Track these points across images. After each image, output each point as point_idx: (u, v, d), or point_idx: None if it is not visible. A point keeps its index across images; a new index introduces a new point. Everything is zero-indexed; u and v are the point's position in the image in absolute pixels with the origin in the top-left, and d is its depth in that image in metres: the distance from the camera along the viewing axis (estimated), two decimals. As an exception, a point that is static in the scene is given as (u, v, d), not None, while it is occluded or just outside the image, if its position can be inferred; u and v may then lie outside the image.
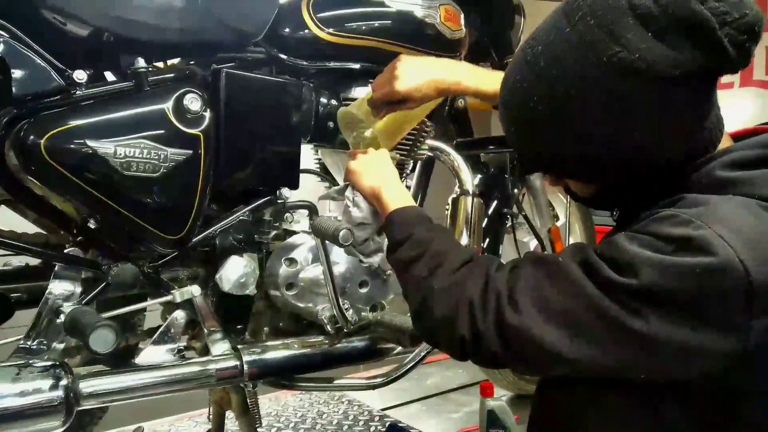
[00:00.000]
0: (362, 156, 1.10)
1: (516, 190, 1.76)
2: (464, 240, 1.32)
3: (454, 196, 1.38)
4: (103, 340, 0.89)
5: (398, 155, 1.30)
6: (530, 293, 0.70)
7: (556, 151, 0.75)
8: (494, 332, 0.70)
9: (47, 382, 0.90)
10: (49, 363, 0.94)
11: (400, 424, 1.83)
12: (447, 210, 1.40)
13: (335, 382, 1.27)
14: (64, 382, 0.91)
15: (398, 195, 0.99)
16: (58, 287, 1.00)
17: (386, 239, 0.99)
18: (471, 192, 1.36)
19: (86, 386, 0.95)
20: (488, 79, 1.11)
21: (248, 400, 1.24)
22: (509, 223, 1.74)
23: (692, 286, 0.61)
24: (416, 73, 1.07)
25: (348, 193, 1.11)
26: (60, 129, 0.91)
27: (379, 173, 1.05)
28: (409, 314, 1.35)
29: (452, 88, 1.12)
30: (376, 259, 1.19)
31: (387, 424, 1.82)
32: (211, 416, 1.38)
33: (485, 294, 0.72)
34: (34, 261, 1.12)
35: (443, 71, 1.09)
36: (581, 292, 0.66)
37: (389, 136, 1.17)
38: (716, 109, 0.73)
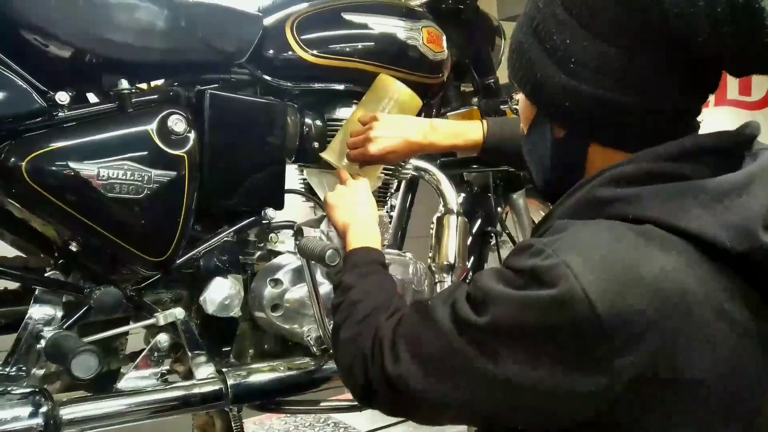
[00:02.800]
0: (340, 188, 1.12)
1: (499, 209, 1.78)
2: (450, 258, 1.32)
3: (439, 214, 1.39)
4: (85, 366, 0.87)
5: (383, 175, 1.30)
6: (406, 340, 0.68)
7: (520, 45, 0.70)
8: (381, 382, 0.70)
9: (26, 410, 0.88)
10: (29, 389, 0.91)
11: (387, 446, 1.81)
12: (432, 229, 1.40)
13: (321, 404, 1.26)
14: (43, 409, 0.89)
15: (360, 235, 1.00)
16: (38, 311, 0.97)
17: None
18: (455, 211, 1.37)
19: (67, 413, 0.92)
20: (460, 134, 1.16)
21: (233, 425, 1.22)
22: (493, 242, 1.75)
23: (537, 321, 0.56)
24: (390, 136, 1.12)
25: (323, 226, 1.15)
26: (42, 151, 0.90)
27: (350, 209, 1.06)
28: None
29: (426, 149, 1.17)
30: None
31: (373, 446, 1.80)
32: (194, 442, 1.35)
33: (373, 345, 0.73)
34: (13, 285, 1.10)
35: (417, 133, 1.14)
36: (443, 336, 0.63)
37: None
38: (660, 121, 0.64)
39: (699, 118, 0.68)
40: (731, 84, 2.88)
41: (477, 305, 0.61)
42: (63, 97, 0.95)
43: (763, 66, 0.60)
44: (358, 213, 1.05)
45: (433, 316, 0.66)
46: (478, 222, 1.73)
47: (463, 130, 1.16)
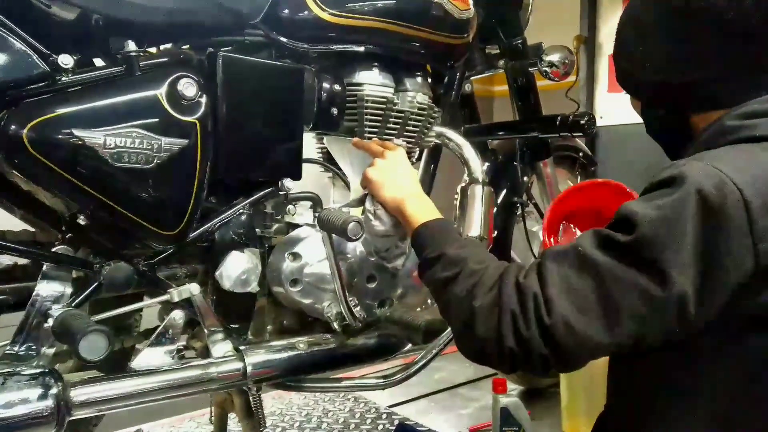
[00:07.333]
0: (380, 162, 1.08)
1: (525, 178, 1.70)
2: (475, 230, 1.26)
3: (464, 184, 1.32)
4: (93, 347, 0.82)
5: (405, 143, 1.24)
6: (560, 289, 0.70)
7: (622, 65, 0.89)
8: (539, 336, 0.70)
9: (36, 391, 0.84)
10: (38, 370, 0.88)
11: (409, 422, 1.78)
12: (456, 199, 1.34)
13: (343, 381, 1.21)
14: (53, 390, 0.85)
15: (421, 207, 0.99)
16: (46, 288, 0.93)
17: (411, 246, 0.98)
18: (481, 180, 1.30)
19: (78, 394, 0.89)
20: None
21: (252, 402, 1.18)
22: (519, 212, 1.68)
23: (694, 214, 0.65)
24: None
25: (368, 205, 1.09)
26: (44, 118, 0.85)
27: (399, 183, 1.04)
28: (419, 310, 1.30)
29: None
30: (400, 262, 1.18)
31: (395, 423, 1.77)
32: (213, 418, 1.32)
33: (522, 302, 0.72)
34: (21, 260, 1.05)
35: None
36: (601, 270, 0.68)
37: None
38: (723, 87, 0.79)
39: None
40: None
41: (625, 226, 0.68)
42: (66, 60, 0.89)
43: None
44: (407, 186, 1.04)
45: (584, 257, 0.70)
46: (504, 192, 1.66)
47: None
